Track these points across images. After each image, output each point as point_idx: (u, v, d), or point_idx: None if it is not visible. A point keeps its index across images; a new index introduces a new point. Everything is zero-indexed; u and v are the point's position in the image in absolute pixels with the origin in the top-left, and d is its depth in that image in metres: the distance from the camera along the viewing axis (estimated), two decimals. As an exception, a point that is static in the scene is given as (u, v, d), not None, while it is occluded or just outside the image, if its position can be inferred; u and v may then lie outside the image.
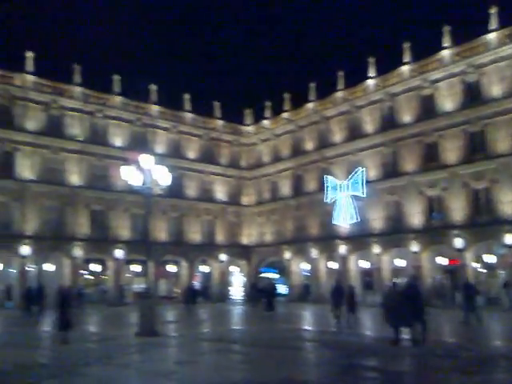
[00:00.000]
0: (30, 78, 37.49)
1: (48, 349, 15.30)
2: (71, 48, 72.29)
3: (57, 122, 38.27)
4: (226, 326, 23.04)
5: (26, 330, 20.74)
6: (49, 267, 36.51)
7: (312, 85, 44.06)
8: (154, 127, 43.41)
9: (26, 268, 34.89)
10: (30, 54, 37.48)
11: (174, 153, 43.88)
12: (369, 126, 39.41)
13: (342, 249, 39.20)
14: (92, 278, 39.31)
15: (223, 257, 45.01)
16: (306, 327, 21.72)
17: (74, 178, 38.25)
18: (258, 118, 49.64)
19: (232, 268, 47.28)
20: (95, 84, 40.70)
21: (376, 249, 37.00)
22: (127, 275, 40.22)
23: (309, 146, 43.90)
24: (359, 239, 38.29)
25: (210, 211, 45.46)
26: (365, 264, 38.85)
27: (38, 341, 17.10)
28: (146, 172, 17.84)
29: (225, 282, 45.48)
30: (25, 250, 34.32)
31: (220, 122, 48.23)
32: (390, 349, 13.61)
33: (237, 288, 46.67)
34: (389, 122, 37.99)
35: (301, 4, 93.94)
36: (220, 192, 46.80)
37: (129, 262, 39.48)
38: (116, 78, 41.64)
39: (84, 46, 75.36)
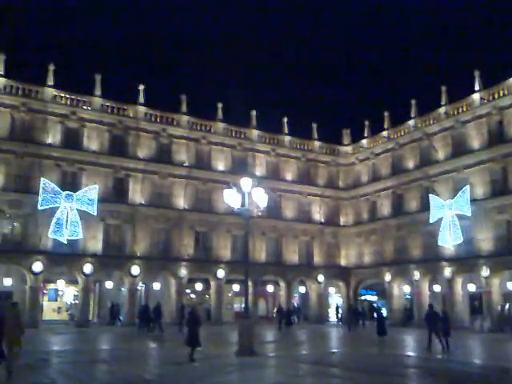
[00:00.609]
0: (142, 109, 40.66)
1: (156, 366, 16.44)
2: (178, 79, 77.16)
3: (165, 150, 41.02)
4: (324, 348, 23.03)
5: (137, 346, 22.35)
6: (156, 286, 38.91)
7: (413, 101, 43.18)
8: (253, 151, 44.92)
9: (137, 287, 37.50)
10: (141, 87, 40.77)
11: (273, 175, 45.00)
12: (475, 142, 37.68)
13: (447, 271, 37.49)
14: (195, 296, 41.18)
15: (321, 278, 44.94)
16: (409, 353, 21.11)
17: (180, 202, 40.55)
18: (356, 137, 49.46)
19: (330, 289, 47.02)
20: (199, 112, 43.30)
21: (485, 271, 34.94)
22: (229, 294, 41.63)
23: (410, 164, 42.85)
24: (466, 261, 36.42)
25: (307, 232, 45.78)
26: (472, 287, 36.80)
27: (146, 357, 18.42)
28: (245, 194, 18.73)
29: (322, 304, 45.29)
30: (135, 269, 36.90)
31: (317, 143, 48.68)
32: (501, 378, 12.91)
33: (334, 310, 46.24)
34: (497, 136, 36.11)
35: (399, 22, 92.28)
36: (317, 213, 46.99)
37: (229, 281, 40.85)
38: (219, 105, 43.88)
39: (189, 77, 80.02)
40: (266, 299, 44.08)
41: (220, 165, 43.09)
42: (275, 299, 44.19)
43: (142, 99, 40.72)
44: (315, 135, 48.77)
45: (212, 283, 40.76)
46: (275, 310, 38.73)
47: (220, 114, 43.95)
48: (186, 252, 39.72)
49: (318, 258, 46.02)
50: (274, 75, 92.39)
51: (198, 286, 40.82)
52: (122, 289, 38.26)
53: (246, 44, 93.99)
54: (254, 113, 45.51)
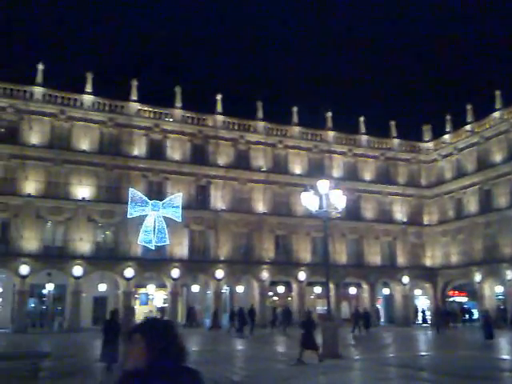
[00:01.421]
0: (220, 117, 41.91)
1: (243, 367, 16.94)
2: (252, 86, 78.46)
3: (243, 156, 41.97)
4: (411, 351, 22.50)
5: (225, 348, 23.09)
6: (239, 289, 39.86)
7: (497, 92, 41.07)
8: (330, 152, 44.74)
9: (222, 290, 38.64)
10: (219, 96, 42.03)
11: (351, 176, 44.55)
12: None
13: (544, 270, 35.20)
14: (277, 299, 41.66)
15: (405, 279, 43.76)
16: (504, 356, 20.10)
17: (260, 206, 41.26)
18: (437, 133, 47.76)
19: (415, 291, 45.65)
20: (275, 117, 43.85)
21: None
22: (311, 297, 41.70)
23: (497, 157, 40.75)
24: None
25: (389, 232, 44.81)
26: None
27: (235, 358, 19.01)
28: (323, 196, 18.82)
29: (408, 306, 44.06)
30: (219, 273, 38.02)
31: (396, 141, 47.57)
32: None
33: (421, 312, 44.81)
34: None
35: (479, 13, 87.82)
36: (399, 212, 45.86)
37: (311, 283, 40.90)
38: (294, 109, 44.21)
39: (264, 84, 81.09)
40: (350, 302, 43.63)
41: (297, 168, 43.34)
42: (358, 302, 43.62)
43: (220, 108, 41.95)
44: (393, 133, 47.69)
45: (294, 286, 41.04)
46: (352, 312, 38.32)
47: (295, 117, 44.26)
48: (266, 255, 40.33)
49: (401, 259, 44.89)
50: (349, 74, 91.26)
51: (280, 289, 41.26)
52: (208, 292, 39.54)
53: (318, 46, 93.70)
54: (329, 114, 45.35)
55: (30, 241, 33.72)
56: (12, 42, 73.16)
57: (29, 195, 34.26)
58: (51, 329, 33.10)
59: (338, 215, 20.93)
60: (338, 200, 19.03)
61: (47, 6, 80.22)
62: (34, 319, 34.31)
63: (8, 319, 33.57)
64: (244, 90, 76.90)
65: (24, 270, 32.63)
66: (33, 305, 34.83)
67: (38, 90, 36.65)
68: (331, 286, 36.21)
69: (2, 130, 35.34)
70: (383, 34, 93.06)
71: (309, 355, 16.07)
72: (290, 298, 41.57)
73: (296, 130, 44.16)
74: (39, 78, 36.81)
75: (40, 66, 36.92)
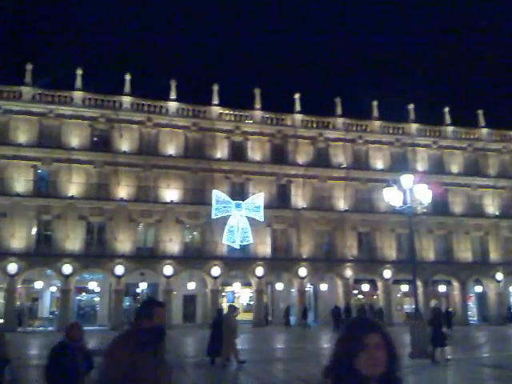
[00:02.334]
0: (299, 116, 42.12)
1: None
2: (330, 84, 77.85)
3: (323, 153, 41.87)
4: (508, 351, 21.45)
5: (312, 346, 23.29)
6: (323, 287, 39.84)
7: None
8: (413, 146, 43.46)
9: (305, 288, 38.84)
10: (297, 95, 42.25)
11: (436, 169, 42.99)
12: None
13: None
14: (362, 297, 41.11)
15: (499, 276, 41.49)
16: None
17: (341, 203, 40.96)
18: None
19: (511, 288, 43.15)
20: (354, 113, 43.34)
21: None
22: (397, 295, 40.75)
23: None
24: None
25: (480, 227, 42.72)
26: None
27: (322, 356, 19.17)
28: (407, 191, 18.46)
29: (503, 304, 41.70)
30: (302, 271, 38.23)
31: (485, 131, 45.27)
32: None
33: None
34: None
35: None
36: (491, 205, 43.57)
37: (397, 281, 39.95)
38: (374, 103, 43.44)
39: (341, 79, 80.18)
40: (439, 300, 42.09)
41: (378, 163, 42.54)
42: (449, 300, 42.01)
43: (298, 107, 42.16)
44: (481, 122, 45.39)
45: (379, 284, 40.31)
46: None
47: (375, 111, 43.46)
48: (349, 253, 39.96)
49: (494, 255, 42.62)
50: (429, 65, 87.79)
51: (365, 287, 40.70)
52: (292, 290, 39.90)
53: (393, 36, 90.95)
54: (411, 106, 44.07)
55: (124, 243, 35.85)
56: (98, 54, 77.78)
57: (121, 199, 36.42)
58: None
59: (424, 210, 20.41)
60: (424, 195, 18.59)
61: (129, 20, 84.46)
62: (129, 317, 36.41)
63: (106, 317, 35.95)
64: (321, 88, 76.54)
65: (119, 270, 34.77)
66: (128, 303, 36.99)
67: (127, 100, 38.84)
68: (418, 283, 35.26)
69: (95, 138, 37.83)
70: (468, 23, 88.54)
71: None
72: (375, 297, 40.90)
73: (376, 124, 43.35)
74: (127, 87, 39.02)
75: (127, 76, 39.11)
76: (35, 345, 24.39)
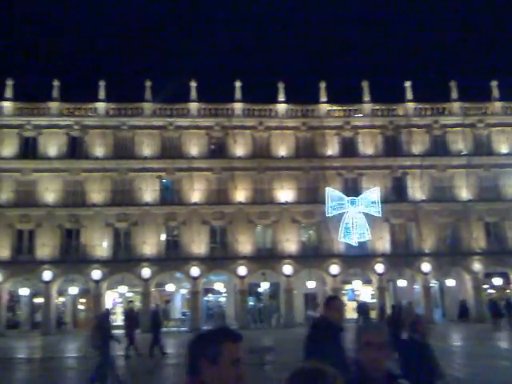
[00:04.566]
0: (411, 105, 40.62)
1: (464, 364, 16.51)
2: (444, 67, 73.81)
3: (439, 141, 39.97)
4: None
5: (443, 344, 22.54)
6: (450, 282, 38.11)
7: None
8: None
9: (430, 284, 37.46)
10: (408, 83, 40.73)
11: None
12: None
13: None
14: (494, 292, 38.62)
15: None
16: None
17: (463, 193, 38.81)
18: None
19: None
20: (471, 95, 40.76)
21: None
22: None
23: None
24: None
25: None
26: None
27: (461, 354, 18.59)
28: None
29: None
30: (425, 266, 36.89)
31: None
32: None
33: None
34: None
35: None
36: None
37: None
38: (494, 83, 40.58)
39: (458, 61, 75.56)
40: None
41: (503, 147, 39.68)
42: None
43: (409, 95, 40.69)
44: None
45: (512, 276, 37.67)
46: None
47: (496, 92, 40.52)
48: (477, 245, 37.76)
49: None
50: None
51: (497, 281, 38.19)
52: (415, 287, 38.70)
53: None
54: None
55: (245, 244, 37.31)
56: (208, 64, 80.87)
57: (239, 203, 37.90)
58: (269, 325, 36.14)
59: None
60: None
61: (238, 30, 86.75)
62: (253, 316, 37.90)
63: (233, 316, 37.73)
64: (434, 73, 72.81)
65: (242, 271, 36.28)
66: (252, 303, 38.47)
67: (238, 106, 40.23)
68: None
69: (212, 146, 39.70)
70: None
71: None
72: (508, 291, 38.23)
73: (498, 105, 40.42)
74: (238, 94, 40.36)
75: (237, 84, 40.46)
76: (171, 344, 26.30)
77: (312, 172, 38.99)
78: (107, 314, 17.60)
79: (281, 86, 40.69)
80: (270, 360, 16.43)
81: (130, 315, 22.40)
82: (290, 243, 37.59)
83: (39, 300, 36.20)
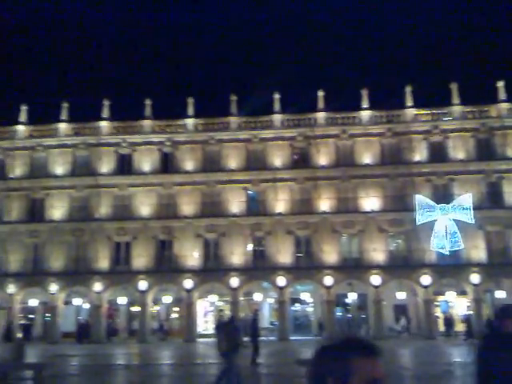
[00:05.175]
0: (504, 105, 38.44)
1: None
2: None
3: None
4: None
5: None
6: (500, 294, 35.58)
7: None
8: None
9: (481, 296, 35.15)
10: (501, 83, 38.55)
11: None
12: None
13: None
14: None
15: None
16: None
17: None
18: None
19: None
20: None
21: None
22: None
23: None
24: None
25: None
26: None
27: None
28: None
29: None
30: (475, 278, 34.89)
31: None
32: None
33: None
34: None
35: None
36: None
37: None
38: None
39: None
40: None
41: None
42: None
43: (502, 96, 38.50)
44: None
45: None
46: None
47: None
48: None
49: None
50: None
51: None
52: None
53: None
54: None
55: (330, 254, 37.11)
56: (292, 76, 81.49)
57: (323, 212, 37.81)
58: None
59: None
60: None
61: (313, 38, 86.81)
62: (342, 327, 37.43)
63: (319, 327, 37.45)
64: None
65: (328, 281, 36.08)
66: (339, 313, 38.07)
67: (321, 116, 40.26)
68: None
69: (295, 156, 40.02)
70: None
71: None
72: None
73: None
74: (320, 103, 40.39)
75: (320, 93, 40.49)
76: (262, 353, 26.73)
77: (399, 179, 37.99)
78: (232, 320, 16.70)
79: (364, 92, 40.17)
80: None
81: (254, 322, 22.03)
82: (378, 253, 36.82)
83: (136, 309, 38.41)
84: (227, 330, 13.81)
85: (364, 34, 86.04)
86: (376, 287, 35.78)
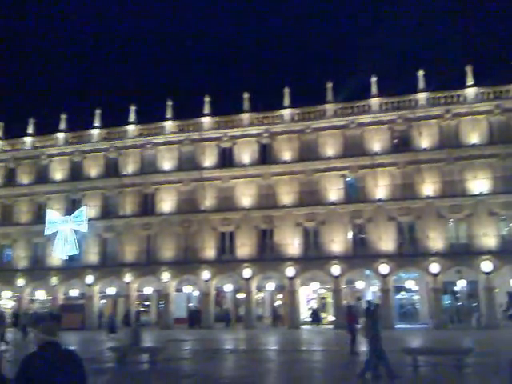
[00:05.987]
0: None
1: None
2: None
3: None
4: None
5: None
6: None
7: None
8: None
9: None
10: None
11: None
12: None
13: None
14: None
15: None
16: None
17: None
18: None
19: None
20: None
21: None
22: None
23: None
24: None
25: None
26: None
27: None
28: None
29: None
30: None
31: None
32: None
33: None
34: None
35: None
36: None
37: None
38: None
39: None
40: None
41: None
42: None
43: None
44: None
45: None
46: None
47: None
48: None
49: None
50: None
51: None
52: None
53: None
54: None
55: (436, 240, 35.63)
56: (391, 58, 78.47)
57: (428, 197, 36.35)
58: (469, 325, 33.79)
59: None
60: None
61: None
62: (450, 315, 35.90)
63: (426, 315, 36.31)
64: None
65: (434, 268, 34.72)
66: (448, 301, 36.45)
67: (422, 96, 38.55)
68: None
69: (395, 140, 38.77)
70: None
71: None
72: None
73: None
74: (421, 84, 38.67)
75: (420, 73, 38.81)
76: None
77: (510, 158, 35.37)
78: (373, 305, 16.28)
79: (469, 68, 37.79)
80: (468, 363, 15.56)
81: (351, 310, 21.71)
82: (488, 238, 34.71)
83: (241, 295, 39.87)
84: (373, 315, 14.02)
85: (467, 8, 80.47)
86: (487, 274, 33.81)
